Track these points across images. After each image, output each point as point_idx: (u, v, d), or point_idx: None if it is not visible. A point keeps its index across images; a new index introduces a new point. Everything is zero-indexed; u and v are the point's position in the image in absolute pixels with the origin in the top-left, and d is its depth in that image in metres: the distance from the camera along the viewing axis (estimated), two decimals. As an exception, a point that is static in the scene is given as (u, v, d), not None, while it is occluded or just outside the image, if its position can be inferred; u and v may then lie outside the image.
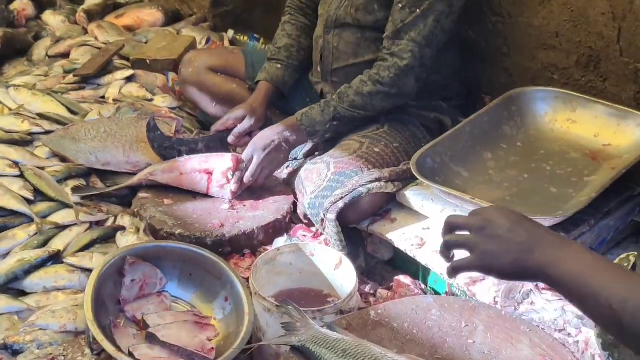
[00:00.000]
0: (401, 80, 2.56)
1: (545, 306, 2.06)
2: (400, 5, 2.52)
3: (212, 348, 2.06)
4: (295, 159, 2.88)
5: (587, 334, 1.94)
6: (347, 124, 2.67)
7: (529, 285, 2.12)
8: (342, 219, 2.44)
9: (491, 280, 2.17)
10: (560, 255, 1.34)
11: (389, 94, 2.59)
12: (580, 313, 2.00)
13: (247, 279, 2.15)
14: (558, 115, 2.51)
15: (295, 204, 2.68)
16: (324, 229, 2.47)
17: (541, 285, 2.12)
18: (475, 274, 2.17)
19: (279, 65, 2.88)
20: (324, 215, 2.42)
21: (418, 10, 2.50)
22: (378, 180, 2.44)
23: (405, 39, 2.53)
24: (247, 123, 2.78)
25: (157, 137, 2.78)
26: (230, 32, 4.14)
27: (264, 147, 2.64)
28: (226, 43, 4.06)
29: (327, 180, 2.47)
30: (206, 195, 2.73)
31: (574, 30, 2.56)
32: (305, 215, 2.59)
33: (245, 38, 4.03)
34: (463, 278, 2.18)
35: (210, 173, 2.71)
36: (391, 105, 2.65)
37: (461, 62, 2.84)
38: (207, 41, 3.99)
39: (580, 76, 2.61)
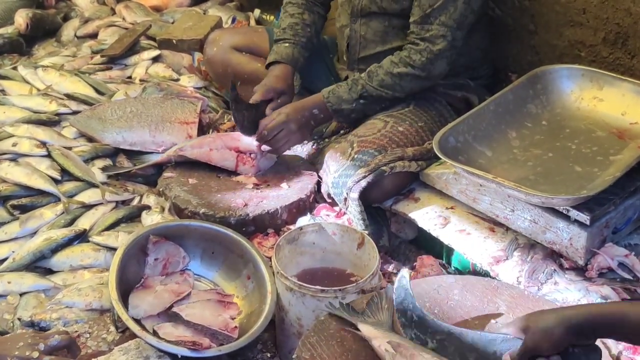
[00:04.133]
0: (432, 64, 2.55)
1: (569, 286, 2.04)
2: None
3: (236, 327, 2.08)
4: (320, 136, 2.88)
5: (611, 314, 1.92)
6: (374, 103, 2.65)
7: (552, 266, 2.11)
8: (366, 198, 2.44)
9: (514, 260, 2.16)
10: None
11: (418, 76, 2.57)
12: (605, 293, 2.00)
13: (270, 258, 2.16)
14: (584, 93, 2.47)
15: (319, 184, 2.68)
16: (347, 208, 2.47)
17: (565, 265, 2.11)
18: (499, 254, 2.19)
19: (287, 44, 2.84)
20: (347, 194, 2.42)
21: None
22: (401, 159, 2.43)
23: (436, 23, 2.51)
24: (285, 100, 2.75)
25: (235, 97, 2.71)
26: (257, 12, 4.13)
27: (293, 121, 2.64)
28: (252, 22, 4.05)
29: (350, 159, 2.47)
30: (230, 175, 2.74)
31: (601, 6, 2.52)
32: (329, 195, 2.59)
33: (272, 17, 4.02)
34: (487, 257, 2.18)
35: (239, 151, 2.72)
36: (420, 87, 2.63)
37: (489, 43, 2.80)
38: (233, 20, 3.98)
39: (607, 53, 2.57)
